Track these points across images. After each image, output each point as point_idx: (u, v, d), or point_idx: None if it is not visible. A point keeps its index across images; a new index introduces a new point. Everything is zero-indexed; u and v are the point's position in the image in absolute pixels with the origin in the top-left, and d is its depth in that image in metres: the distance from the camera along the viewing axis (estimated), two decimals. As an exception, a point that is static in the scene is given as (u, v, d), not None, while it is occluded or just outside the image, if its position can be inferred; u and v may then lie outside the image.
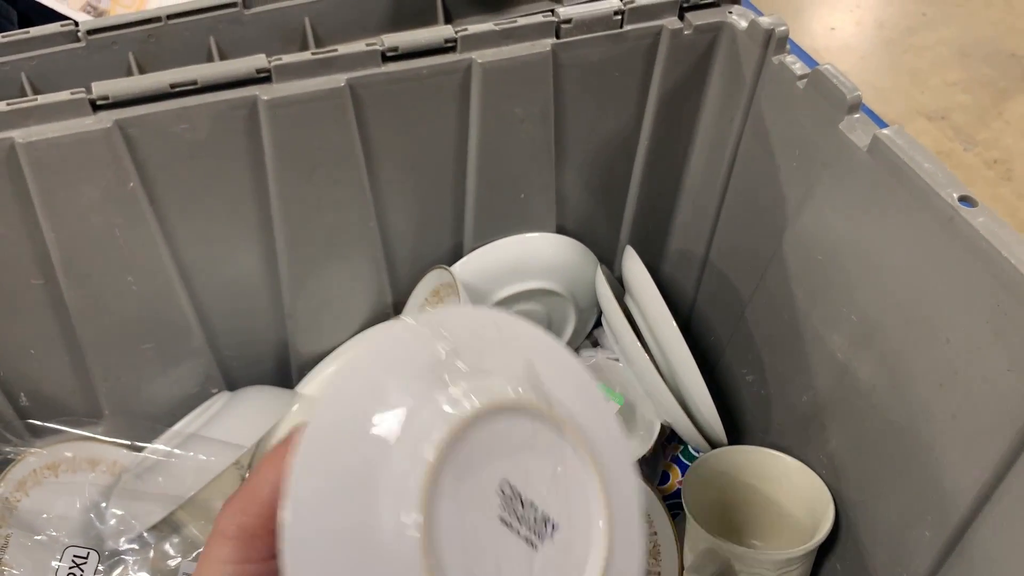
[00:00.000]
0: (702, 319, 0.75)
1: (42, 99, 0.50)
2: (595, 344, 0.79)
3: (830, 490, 0.60)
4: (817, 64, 0.55)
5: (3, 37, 0.56)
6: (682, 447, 0.75)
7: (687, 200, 0.70)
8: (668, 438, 0.75)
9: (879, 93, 1.49)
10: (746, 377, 0.69)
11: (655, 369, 0.64)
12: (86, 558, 0.57)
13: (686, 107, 0.64)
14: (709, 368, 0.74)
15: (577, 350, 0.79)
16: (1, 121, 0.50)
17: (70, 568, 0.56)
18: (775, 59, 0.58)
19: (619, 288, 0.73)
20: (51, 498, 0.59)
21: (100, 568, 0.56)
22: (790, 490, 0.63)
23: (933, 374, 0.49)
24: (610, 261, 0.75)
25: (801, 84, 0.56)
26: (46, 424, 0.61)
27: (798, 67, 0.56)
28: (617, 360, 0.73)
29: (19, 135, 0.50)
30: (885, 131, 0.50)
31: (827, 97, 0.53)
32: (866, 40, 1.61)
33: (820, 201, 0.56)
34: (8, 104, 0.50)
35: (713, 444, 0.67)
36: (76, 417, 0.62)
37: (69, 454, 0.61)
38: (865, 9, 1.67)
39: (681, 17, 0.60)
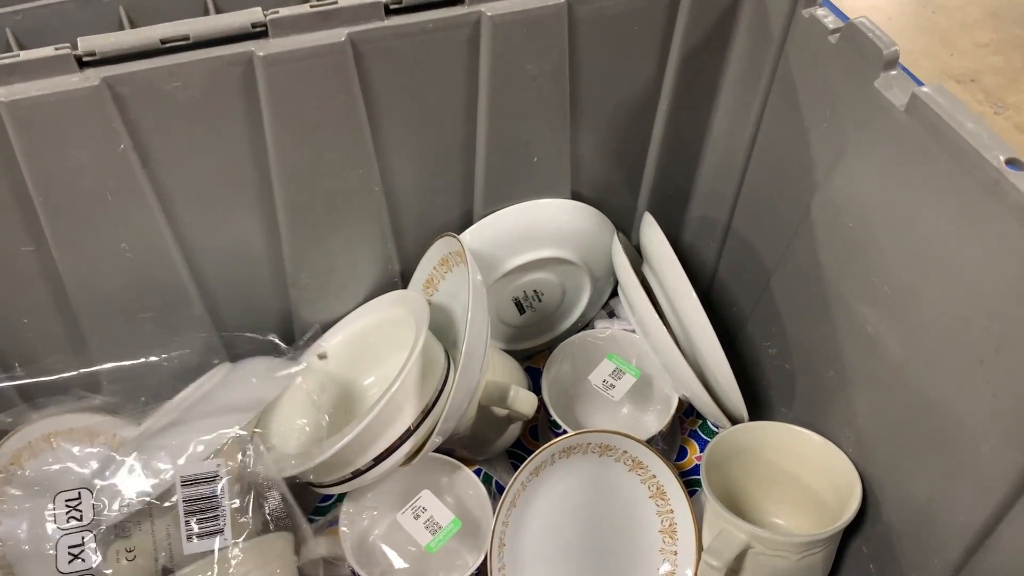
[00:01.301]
0: (723, 289, 0.72)
1: (25, 55, 0.47)
2: (611, 315, 0.76)
3: (857, 469, 0.57)
4: (850, 19, 0.51)
5: (-14, -10, 0.53)
6: (700, 422, 0.72)
7: (709, 164, 0.67)
8: (685, 412, 0.72)
9: (907, 55, 1.43)
10: (769, 350, 0.66)
11: (673, 341, 0.61)
12: (78, 497, 0.54)
13: (709, 64, 0.60)
14: (729, 340, 0.71)
15: (592, 321, 0.76)
16: (-18, 78, 0.47)
17: (67, 512, 0.54)
18: (805, 12, 0.54)
19: (636, 257, 0.70)
20: (47, 470, 0.58)
21: (95, 503, 0.54)
22: (814, 468, 0.60)
23: (972, 350, 0.46)
24: (627, 228, 0.71)
25: (833, 39, 0.52)
26: (42, 396, 0.59)
27: (830, 20, 0.53)
28: (633, 331, 0.70)
29: (2, 93, 0.47)
30: (924, 89, 0.46)
31: (862, 52, 0.50)
32: (894, 1, 1.56)
33: (852, 164, 0.53)
34: (-10, 60, 0.47)
35: (733, 419, 0.64)
36: (74, 388, 0.60)
37: (67, 426, 0.59)
38: (894, -33, 1.61)
39: (705, -33, 0.56)
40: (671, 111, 0.63)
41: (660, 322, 0.61)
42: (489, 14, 0.53)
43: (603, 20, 0.56)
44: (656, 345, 0.63)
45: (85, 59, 0.48)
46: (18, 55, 0.47)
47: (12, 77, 0.47)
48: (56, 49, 0.48)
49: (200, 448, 0.54)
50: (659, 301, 0.64)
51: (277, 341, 0.64)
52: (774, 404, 0.67)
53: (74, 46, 0.48)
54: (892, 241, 0.51)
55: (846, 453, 0.58)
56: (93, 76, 0.48)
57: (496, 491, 0.64)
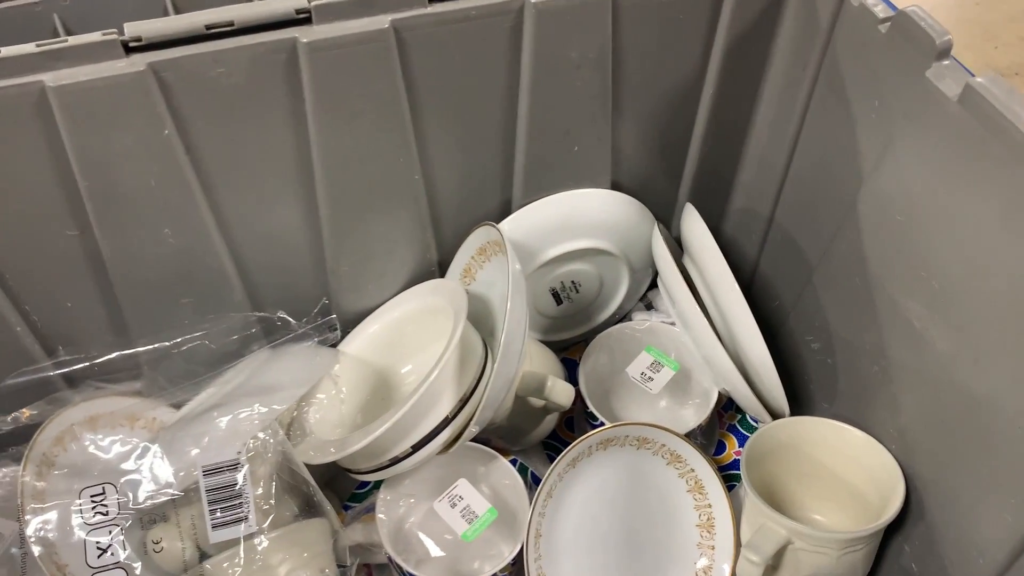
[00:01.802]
0: (765, 282, 0.71)
1: (72, 40, 0.48)
2: (648, 307, 0.76)
3: (900, 466, 0.56)
4: (900, 8, 0.50)
5: (35, -25, 0.54)
6: (739, 416, 0.71)
7: (752, 155, 0.66)
8: (724, 407, 0.72)
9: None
10: (811, 344, 0.65)
11: (714, 334, 0.60)
12: (103, 492, 0.55)
13: (755, 53, 0.60)
14: (771, 334, 0.70)
15: (630, 313, 0.75)
16: (31, 63, 0.47)
17: (93, 507, 0.54)
18: (855, 1, 0.53)
19: (677, 249, 0.69)
20: (86, 453, 0.58)
21: (120, 498, 0.54)
22: (856, 465, 0.60)
23: (1022, 346, 0.44)
24: (667, 219, 0.71)
25: (883, 28, 0.51)
26: (84, 380, 0.60)
27: (880, 9, 0.52)
28: (672, 324, 0.69)
29: (49, 78, 0.48)
30: (979, 79, 0.45)
31: (913, 42, 0.49)
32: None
33: (901, 156, 0.52)
34: (38, 45, 0.47)
35: (774, 414, 0.63)
36: (114, 372, 0.61)
37: (108, 410, 0.60)
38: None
39: (752, -46, 0.55)
40: (714, 101, 0.62)
41: (702, 314, 0.60)
42: (533, 1, 0.52)
43: (647, 7, 0.56)
44: (697, 337, 0.63)
45: (131, 44, 0.49)
46: (66, 40, 0.48)
47: (60, 62, 0.48)
48: (103, 35, 0.48)
49: (222, 428, 0.54)
50: (700, 293, 0.64)
51: (287, 317, 0.63)
52: (815, 399, 0.66)
53: (120, 32, 0.48)
54: (942, 235, 0.49)
55: (889, 450, 0.57)
56: (139, 61, 0.48)
57: (531, 482, 0.64)
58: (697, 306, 0.61)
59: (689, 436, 0.60)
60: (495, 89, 0.57)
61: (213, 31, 0.49)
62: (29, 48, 0.47)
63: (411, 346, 0.65)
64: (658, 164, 0.66)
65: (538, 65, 0.56)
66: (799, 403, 0.67)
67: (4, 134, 0.49)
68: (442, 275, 0.68)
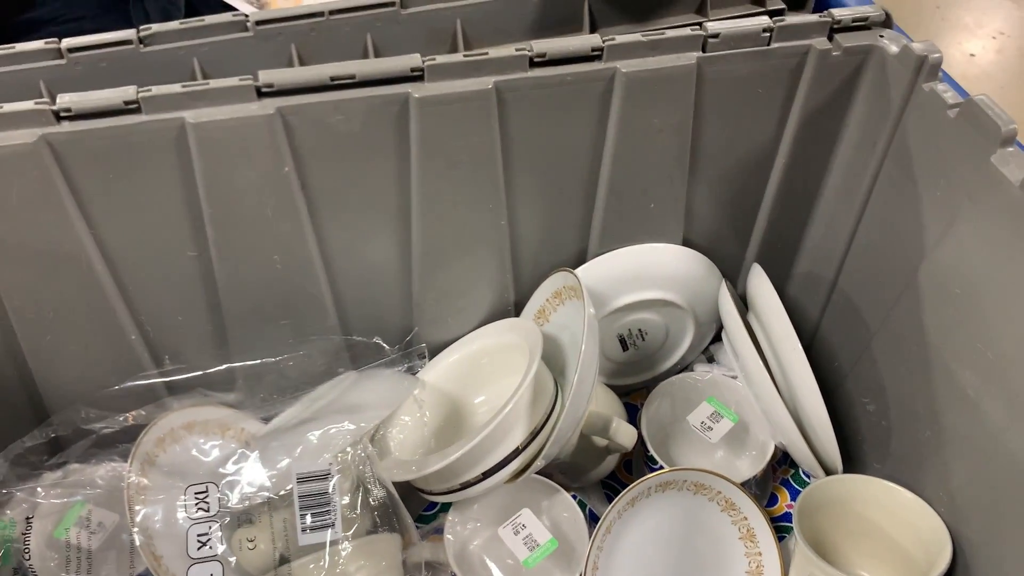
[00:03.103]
0: (825, 344, 0.74)
1: (213, 83, 0.54)
2: (710, 360, 0.79)
3: (948, 529, 0.59)
4: (968, 95, 0.53)
5: (181, 24, 0.60)
6: (793, 471, 0.74)
7: (820, 222, 0.69)
8: (779, 461, 0.74)
9: (1020, 126, 1.42)
10: (867, 406, 0.68)
11: (775, 388, 0.63)
12: (206, 491, 0.59)
13: (827, 128, 0.63)
14: (828, 393, 0.72)
15: (692, 364, 0.78)
16: (175, 102, 0.53)
17: (196, 504, 0.59)
18: (926, 86, 0.56)
19: (741, 306, 0.73)
20: (185, 455, 0.63)
21: (220, 496, 0.59)
22: (904, 524, 0.62)
23: (1074, 421, 0.47)
24: (734, 278, 0.74)
25: (952, 113, 0.54)
26: (184, 388, 0.65)
27: (950, 96, 0.55)
28: (734, 377, 0.72)
29: (190, 115, 0.53)
30: (1041, 167, 0.48)
31: (979, 128, 0.52)
32: (1007, 68, 1.54)
33: (963, 234, 0.55)
34: (183, 87, 0.53)
35: (828, 470, 0.66)
36: (212, 384, 0.66)
37: (203, 417, 0.65)
38: (1008, 36, 1.59)
39: (830, 38, 0.59)
40: (786, 169, 0.66)
41: (764, 369, 0.64)
42: (624, 71, 0.57)
43: (729, 80, 0.60)
44: (758, 391, 0.66)
45: (263, 90, 0.54)
46: (207, 83, 0.54)
47: (200, 102, 0.54)
48: (240, 80, 0.54)
49: (314, 441, 0.59)
50: (763, 349, 0.67)
51: (381, 343, 0.68)
52: (867, 459, 0.69)
53: (255, 78, 0.54)
54: (999, 311, 0.52)
55: (938, 512, 0.60)
56: (269, 105, 0.54)
57: (588, 518, 0.67)
58: (760, 361, 0.64)
59: (744, 486, 0.63)
60: (582, 148, 0.62)
61: (336, 82, 0.55)
62: (175, 88, 0.53)
63: (485, 378, 0.69)
64: (728, 224, 0.70)
65: (623, 128, 0.60)
66: (852, 461, 0.70)
67: (144, 162, 0.55)
68: (517, 315, 0.72)
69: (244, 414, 0.66)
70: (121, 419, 0.62)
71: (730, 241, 0.71)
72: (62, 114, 0.52)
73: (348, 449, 0.58)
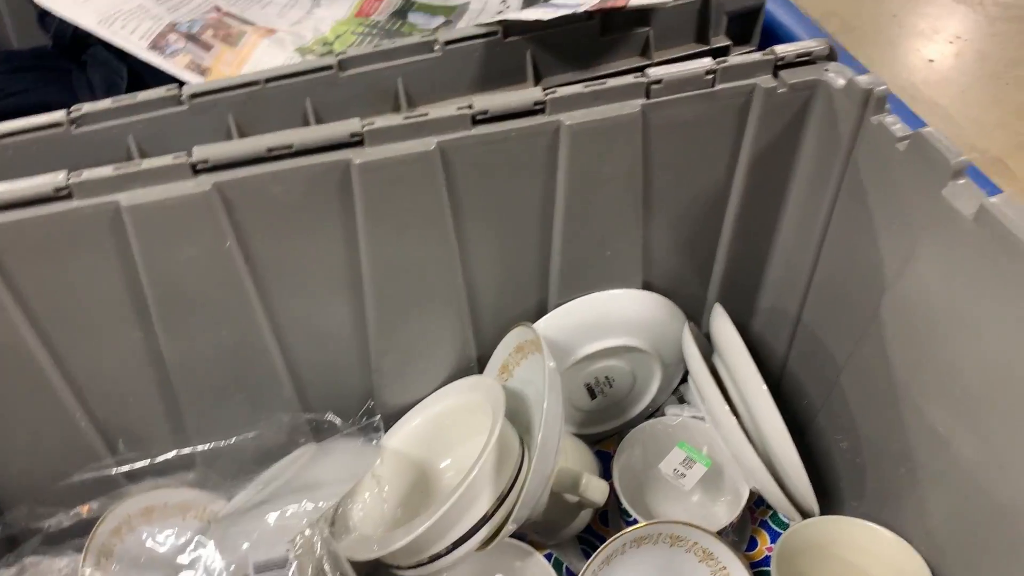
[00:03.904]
0: (793, 381, 0.73)
1: (146, 163, 0.52)
2: (681, 400, 0.78)
3: (930, 567, 0.57)
4: (924, 122, 0.53)
5: (113, 102, 0.58)
6: (771, 512, 0.73)
7: (779, 258, 0.69)
8: (756, 502, 0.73)
9: (982, 128, 1.43)
10: (840, 443, 0.67)
11: (743, 433, 0.62)
12: None
13: (779, 165, 0.63)
14: (799, 431, 0.72)
15: (662, 407, 0.77)
16: (108, 185, 0.52)
17: None
18: (874, 119, 0.56)
19: (707, 345, 0.72)
20: (144, 543, 0.61)
21: None
22: (886, 565, 0.60)
23: (1046, 458, 0.46)
24: (697, 317, 0.73)
25: (902, 146, 0.54)
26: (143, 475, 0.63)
27: (898, 128, 0.54)
28: (704, 419, 0.71)
29: (124, 198, 0.52)
30: (993, 200, 0.48)
31: (929, 161, 0.51)
32: (967, 73, 1.55)
33: (922, 267, 0.54)
34: (115, 168, 0.52)
35: (804, 513, 0.64)
36: (169, 465, 0.64)
37: (162, 501, 0.63)
38: (965, 40, 1.61)
39: (775, 75, 0.59)
40: (741, 207, 0.65)
41: (731, 415, 0.62)
42: (568, 123, 0.56)
43: (676, 125, 0.59)
44: (726, 436, 0.64)
45: (199, 166, 0.53)
46: (140, 163, 0.52)
47: (133, 183, 0.52)
48: (174, 158, 0.52)
49: (271, 524, 0.57)
50: (729, 391, 0.66)
51: (334, 419, 0.66)
52: (844, 497, 0.67)
53: (189, 154, 0.53)
54: (963, 345, 0.51)
55: (918, 551, 0.58)
56: (205, 182, 0.53)
57: (566, 576, 0.66)
58: (726, 406, 0.63)
59: (721, 533, 0.61)
60: (533, 201, 0.61)
61: (274, 153, 0.53)
62: (107, 171, 0.52)
63: (450, 441, 0.67)
64: (688, 265, 0.69)
65: (573, 179, 0.59)
66: (829, 499, 0.68)
67: (80, 248, 0.53)
68: (480, 370, 0.70)
69: (205, 493, 0.64)
70: (73, 513, 0.60)
71: (691, 282, 0.70)
72: (-10, 205, 0.51)
73: (306, 531, 0.56)
